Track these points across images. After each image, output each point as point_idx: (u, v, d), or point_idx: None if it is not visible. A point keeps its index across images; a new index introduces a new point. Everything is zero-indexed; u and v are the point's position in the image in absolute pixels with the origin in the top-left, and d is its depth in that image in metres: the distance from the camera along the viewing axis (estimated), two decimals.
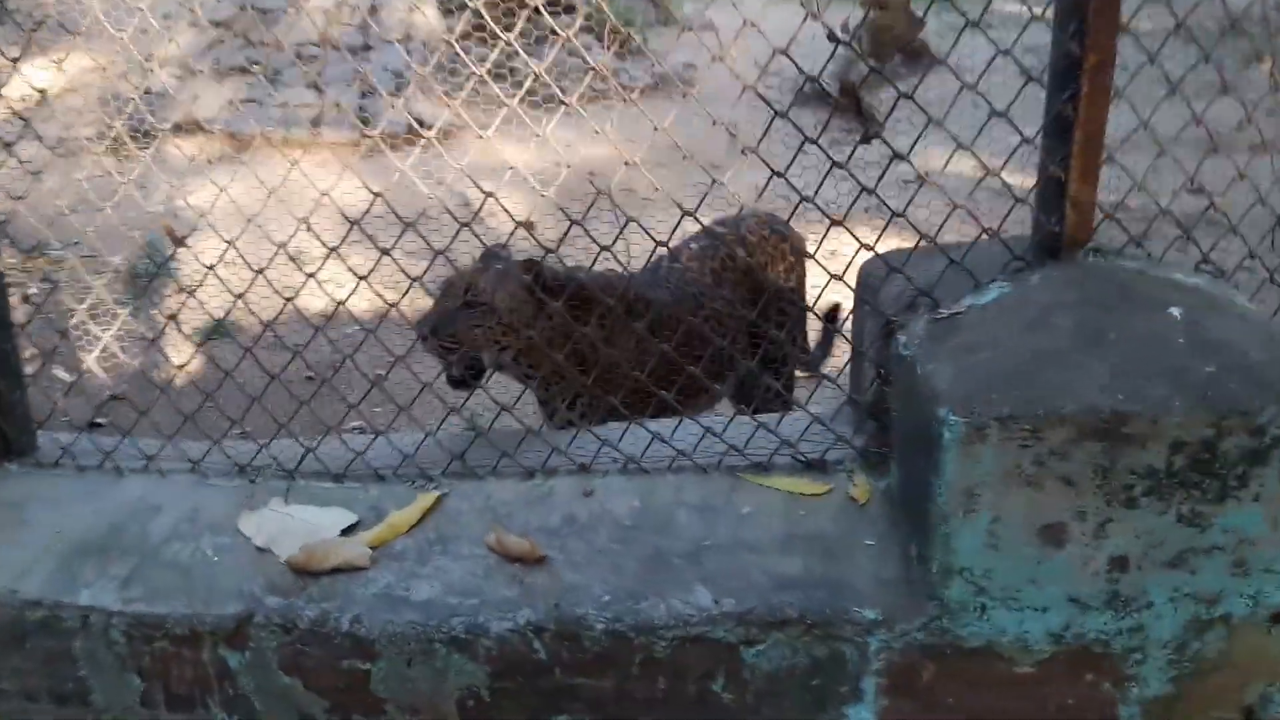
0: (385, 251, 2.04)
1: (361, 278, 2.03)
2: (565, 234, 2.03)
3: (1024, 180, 1.95)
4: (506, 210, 2.03)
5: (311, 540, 2.09)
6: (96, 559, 2.12)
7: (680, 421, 2.21)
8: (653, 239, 2.02)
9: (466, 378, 2.72)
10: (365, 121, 6.75)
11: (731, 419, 2.19)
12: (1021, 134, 1.92)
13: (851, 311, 2.34)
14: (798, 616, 1.84)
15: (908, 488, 1.94)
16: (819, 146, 1.91)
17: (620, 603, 1.90)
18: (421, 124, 6.61)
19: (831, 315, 4.06)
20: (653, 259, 3.37)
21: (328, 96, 7.14)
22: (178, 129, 6.78)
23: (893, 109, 1.90)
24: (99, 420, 4.38)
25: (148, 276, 5.57)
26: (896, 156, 1.84)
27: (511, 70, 7.32)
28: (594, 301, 2.85)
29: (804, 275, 3.66)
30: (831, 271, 1.98)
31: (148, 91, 7.09)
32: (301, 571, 2.05)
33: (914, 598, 1.85)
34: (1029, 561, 1.76)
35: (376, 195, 2.01)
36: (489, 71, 1.96)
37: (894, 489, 2.05)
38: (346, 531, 2.14)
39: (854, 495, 2.08)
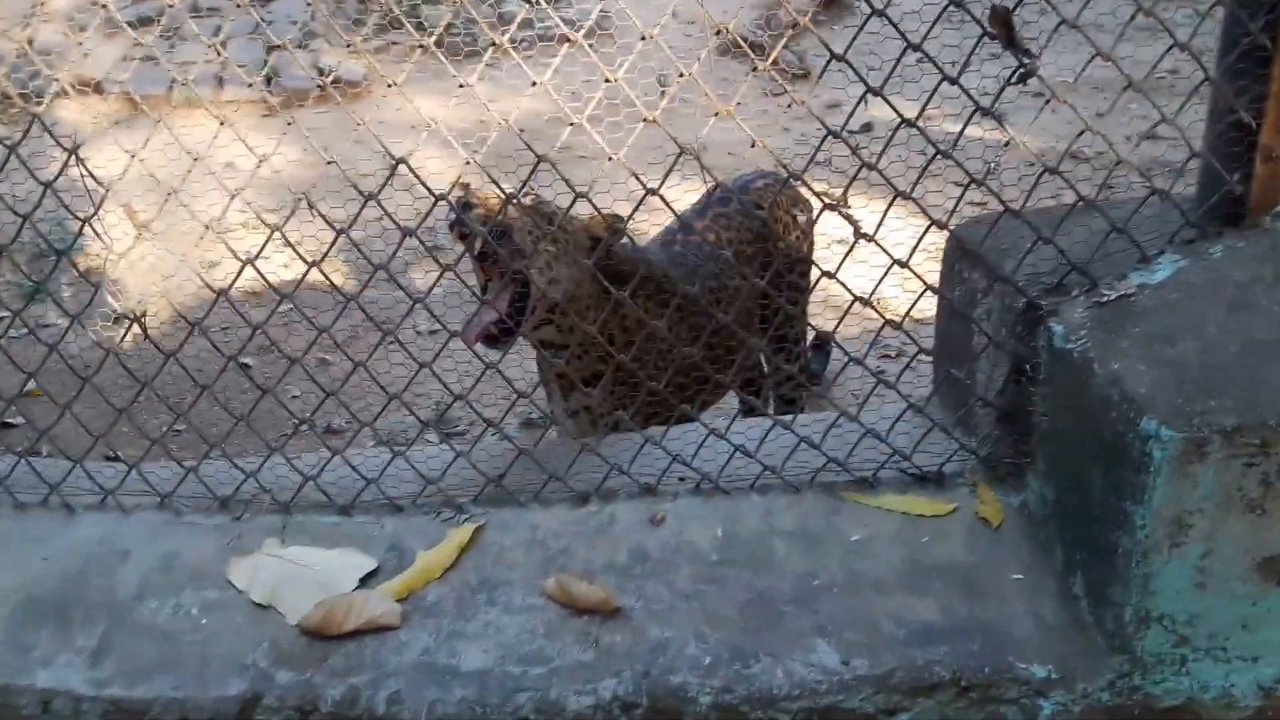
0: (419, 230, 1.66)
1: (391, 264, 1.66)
2: (636, 207, 1.68)
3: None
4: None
5: (325, 594, 1.73)
6: (54, 624, 1.76)
7: (769, 431, 1.87)
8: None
9: (499, 334, 2.27)
10: (271, 78, 6.27)
11: (831, 425, 1.86)
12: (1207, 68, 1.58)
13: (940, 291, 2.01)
14: (950, 677, 1.53)
15: (1070, 510, 1.62)
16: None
17: (725, 666, 1.57)
18: (331, 78, 6.15)
19: (819, 344, 3.72)
20: (666, 231, 3.04)
21: (230, 52, 6.66)
22: (69, 90, 6.25)
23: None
24: (9, 420, 3.93)
25: (54, 256, 5.07)
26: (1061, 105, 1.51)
27: (420, 23, 6.86)
28: (650, 279, 2.48)
29: (813, 243, 3.34)
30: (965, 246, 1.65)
31: (30, 50, 6.55)
32: (316, 635, 1.69)
33: (1091, 648, 1.54)
34: (1242, 602, 1.46)
35: (400, 160, 1.64)
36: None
37: (1034, 507, 1.74)
38: (364, 580, 1.79)
39: (983, 515, 1.77)
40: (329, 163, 1.83)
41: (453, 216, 2.15)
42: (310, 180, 4.82)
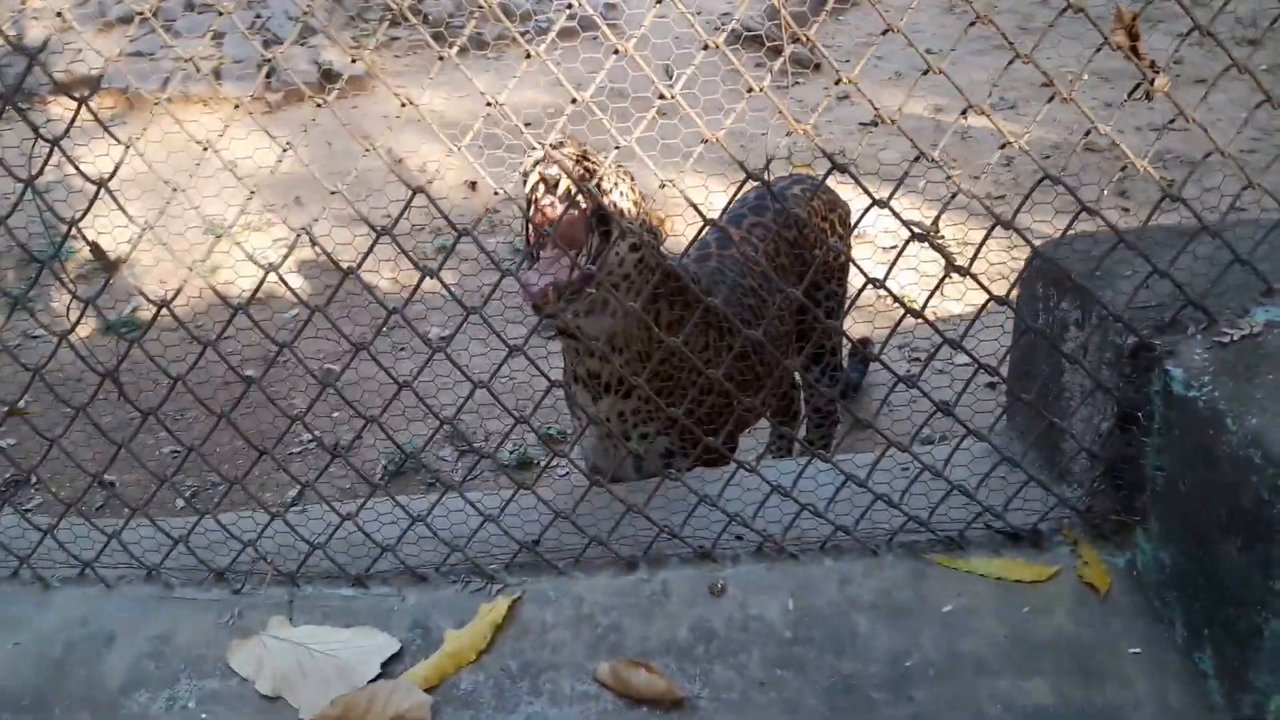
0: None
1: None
2: (695, 240, 1.55)
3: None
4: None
5: (343, 684, 1.61)
6: None
7: (840, 488, 1.75)
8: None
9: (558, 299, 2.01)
10: (270, 73, 6.20)
11: (912, 481, 1.74)
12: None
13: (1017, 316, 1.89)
14: None
15: (1195, 579, 1.51)
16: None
17: None
18: (331, 74, 6.10)
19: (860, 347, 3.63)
20: (699, 243, 2.91)
21: (226, 48, 6.59)
22: (60, 88, 6.11)
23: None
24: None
25: (44, 262, 4.91)
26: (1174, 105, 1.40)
27: (425, 16, 6.80)
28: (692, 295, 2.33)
29: (850, 248, 3.23)
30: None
31: (22, 47, 6.41)
32: None
33: None
34: None
35: (418, 190, 1.51)
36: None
37: (1144, 570, 1.63)
38: (386, 665, 1.66)
39: (1088, 579, 1.66)
40: (333, 193, 1.70)
41: (545, 168, 1.93)
42: (309, 177, 4.68)
